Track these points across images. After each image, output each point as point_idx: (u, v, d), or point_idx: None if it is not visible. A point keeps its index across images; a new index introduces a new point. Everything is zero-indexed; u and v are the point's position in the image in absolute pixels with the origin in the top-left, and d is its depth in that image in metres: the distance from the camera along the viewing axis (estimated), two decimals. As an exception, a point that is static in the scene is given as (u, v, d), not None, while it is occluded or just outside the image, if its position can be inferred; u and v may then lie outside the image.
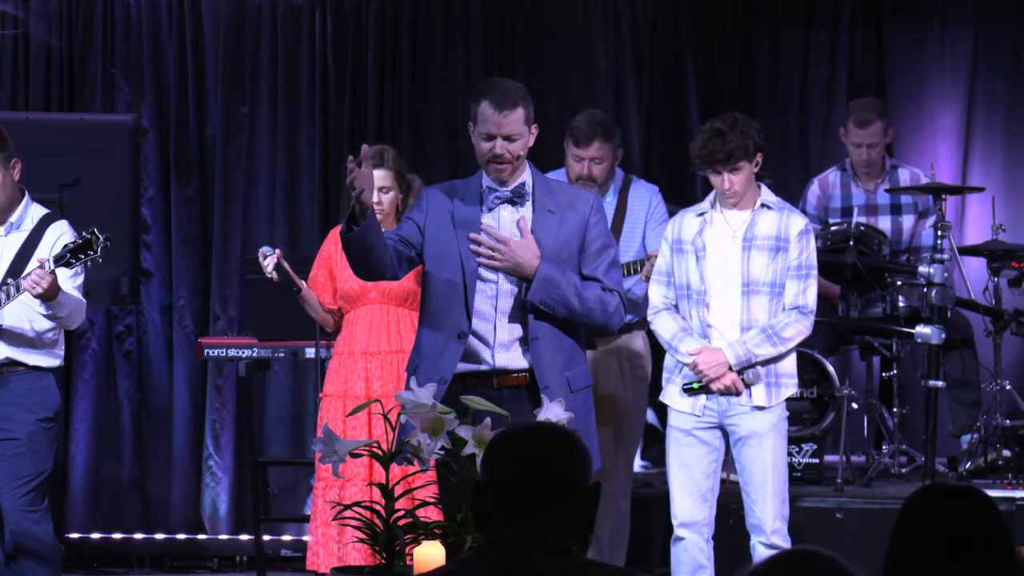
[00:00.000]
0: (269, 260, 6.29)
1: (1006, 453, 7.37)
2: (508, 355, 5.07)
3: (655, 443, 8.49)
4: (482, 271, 5.07)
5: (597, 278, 5.12)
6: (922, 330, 6.97)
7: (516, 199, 5.12)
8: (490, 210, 5.13)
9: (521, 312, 5.07)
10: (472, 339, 5.07)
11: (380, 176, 6.21)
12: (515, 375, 5.08)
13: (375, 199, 6.23)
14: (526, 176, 5.16)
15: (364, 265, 5.06)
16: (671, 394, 5.97)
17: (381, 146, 6.44)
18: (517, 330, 5.08)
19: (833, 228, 7.44)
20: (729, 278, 5.88)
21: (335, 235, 6.44)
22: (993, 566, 2.92)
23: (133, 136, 7.67)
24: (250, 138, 8.56)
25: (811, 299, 5.92)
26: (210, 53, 8.56)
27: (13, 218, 6.08)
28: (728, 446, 5.95)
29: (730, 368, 5.82)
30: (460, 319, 5.06)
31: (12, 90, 8.50)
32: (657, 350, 6.12)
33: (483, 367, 5.07)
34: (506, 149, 5.05)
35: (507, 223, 5.11)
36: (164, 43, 8.55)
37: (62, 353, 6.21)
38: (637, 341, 6.73)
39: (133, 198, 7.66)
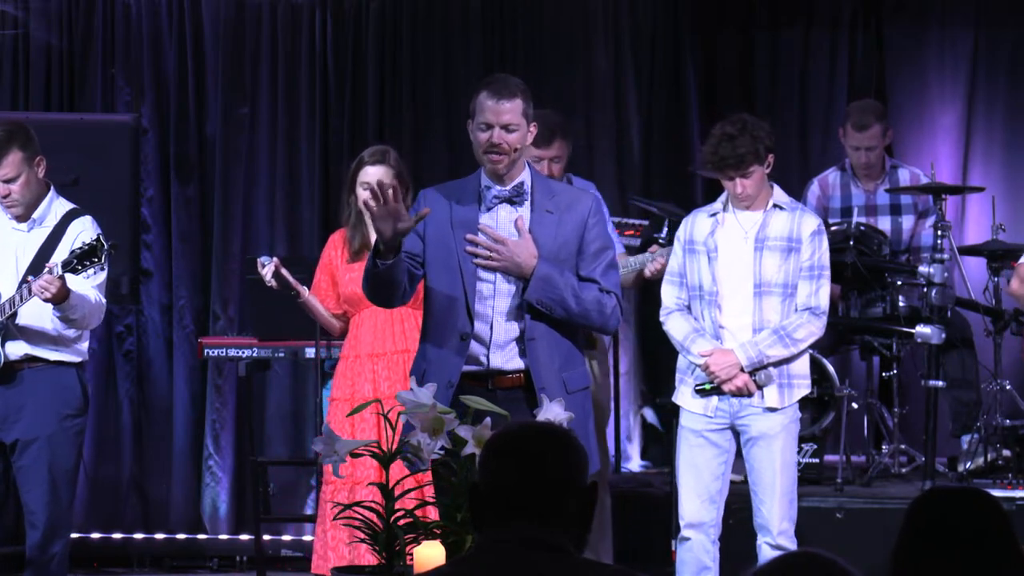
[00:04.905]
0: (268, 269, 6.28)
1: (1006, 453, 7.37)
2: (504, 355, 5.04)
3: (655, 443, 8.52)
4: (480, 271, 5.06)
5: (595, 279, 5.09)
6: (922, 330, 6.97)
7: (515, 198, 5.09)
8: (488, 210, 5.10)
9: (518, 312, 5.04)
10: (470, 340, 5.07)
11: (382, 173, 6.22)
12: (510, 376, 5.05)
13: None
14: (525, 176, 5.13)
15: (382, 297, 5.12)
16: (683, 395, 5.96)
17: (383, 146, 6.44)
18: (514, 330, 5.05)
19: (833, 228, 7.43)
20: (741, 279, 5.87)
21: (335, 240, 6.44)
22: (998, 567, 2.92)
23: (133, 136, 7.66)
24: (250, 138, 8.56)
25: (823, 300, 5.91)
26: (210, 53, 8.56)
27: (36, 214, 6.09)
28: (739, 446, 5.95)
29: (742, 369, 5.82)
30: (463, 321, 5.03)
31: (12, 90, 8.49)
32: (671, 351, 6.11)
33: (478, 368, 5.05)
34: (503, 139, 5.02)
35: (505, 223, 5.08)
36: (164, 43, 8.55)
37: (85, 348, 6.18)
38: (602, 337, 6.75)
39: (133, 198, 7.65)
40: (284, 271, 6.31)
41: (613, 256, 5.20)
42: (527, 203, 5.11)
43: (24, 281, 5.95)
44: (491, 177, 5.11)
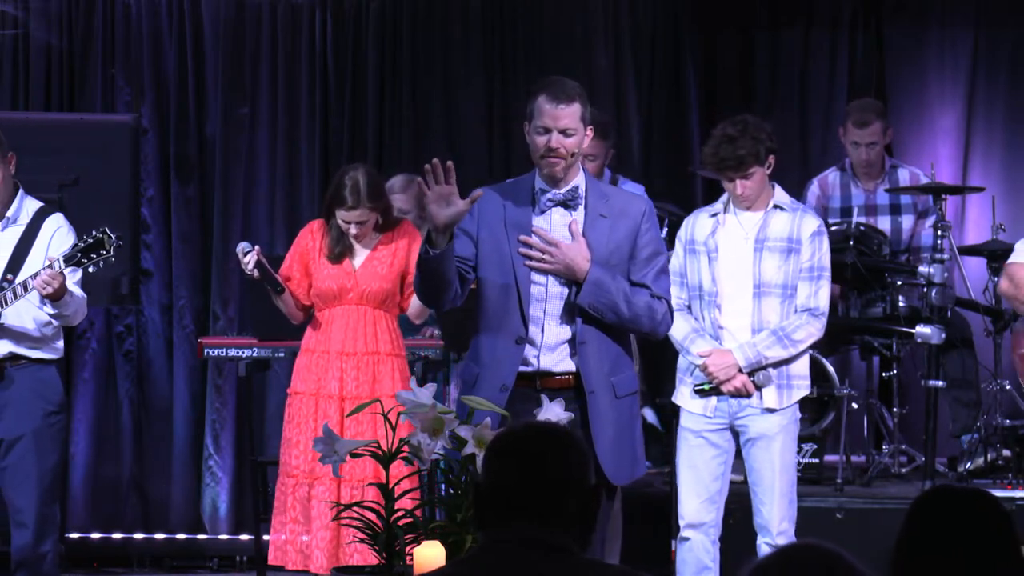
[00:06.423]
0: (250, 256, 6.22)
1: (1006, 453, 7.37)
2: (553, 357, 5.03)
3: (655, 443, 8.50)
4: (533, 273, 5.03)
5: (646, 284, 5.07)
6: (922, 330, 6.97)
7: (569, 202, 5.07)
8: (542, 212, 5.07)
9: (569, 315, 5.03)
10: None
11: (357, 214, 6.23)
12: (558, 377, 5.04)
13: (353, 231, 6.24)
14: (579, 179, 5.10)
15: (432, 293, 5.01)
16: (683, 395, 5.96)
17: (353, 182, 6.30)
18: (565, 333, 5.04)
19: (833, 228, 7.43)
20: (741, 279, 5.87)
21: (313, 229, 6.42)
22: (998, 568, 2.92)
23: (133, 136, 7.66)
24: (250, 138, 8.56)
25: (823, 301, 5.91)
26: (210, 53, 8.56)
27: (9, 213, 6.07)
28: (738, 447, 5.95)
29: (740, 370, 5.81)
30: (517, 325, 5.01)
31: (12, 90, 8.49)
32: (670, 351, 6.11)
33: (527, 369, 5.04)
34: (561, 143, 4.98)
35: (558, 226, 5.06)
36: (164, 43, 8.55)
37: (62, 346, 6.18)
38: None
39: (133, 198, 7.65)
40: (265, 261, 6.26)
41: (665, 261, 5.17)
42: (581, 207, 5.08)
43: (4, 279, 5.93)
44: (546, 180, 5.08)
